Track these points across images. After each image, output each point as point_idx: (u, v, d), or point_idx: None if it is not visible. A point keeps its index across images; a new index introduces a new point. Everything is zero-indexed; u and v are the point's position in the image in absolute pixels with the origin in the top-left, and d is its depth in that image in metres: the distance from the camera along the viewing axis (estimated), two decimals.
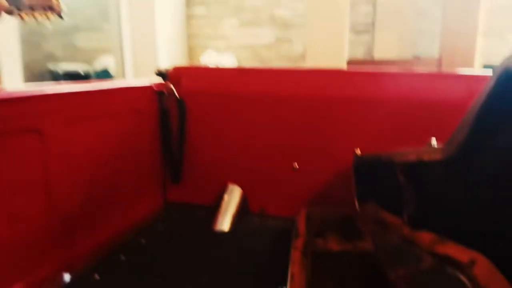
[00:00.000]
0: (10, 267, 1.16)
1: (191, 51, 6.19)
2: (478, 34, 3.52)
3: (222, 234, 1.68)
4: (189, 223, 1.79)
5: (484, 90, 0.84)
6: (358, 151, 1.64)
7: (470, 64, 3.34)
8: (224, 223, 1.73)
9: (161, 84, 1.91)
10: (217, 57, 5.88)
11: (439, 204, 1.07)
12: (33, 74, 5.58)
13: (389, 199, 1.39)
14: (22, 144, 1.21)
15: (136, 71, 5.08)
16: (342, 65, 4.24)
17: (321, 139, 1.78)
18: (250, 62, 6.06)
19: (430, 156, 1.01)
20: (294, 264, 1.09)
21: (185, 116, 1.92)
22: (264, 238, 1.62)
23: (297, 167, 1.81)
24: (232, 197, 1.84)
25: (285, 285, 1.00)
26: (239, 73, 2.10)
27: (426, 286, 0.93)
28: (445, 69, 3.42)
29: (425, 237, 1.09)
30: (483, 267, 0.86)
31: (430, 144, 1.20)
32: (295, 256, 1.15)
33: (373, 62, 4.64)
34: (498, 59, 0.82)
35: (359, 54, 4.85)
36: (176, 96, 1.90)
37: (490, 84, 0.83)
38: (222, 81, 2.01)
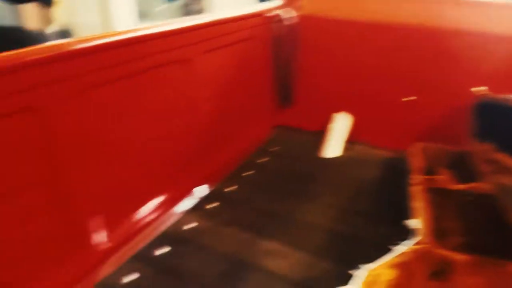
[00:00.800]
0: (166, 179, 1.42)
1: None
2: None
3: (330, 159, 1.82)
4: (298, 147, 1.95)
5: None
6: (478, 90, 1.61)
7: None
8: (331, 150, 1.86)
9: (272, 9, 1.93)
10: None
11: None
12: None
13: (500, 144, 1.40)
14: (176, 72, 1.38)
15: None
16: None
17: (436, 72, 1.75)
18: None
19: None
20: (416, 199, 1.20)
21: (296, 42, 1.97)
22: (373, 168, 1.73)
23: (409, 100, 1.83)
24: (340, 125, 1.94)
25: (409, 218, 1.12)
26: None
27: None
28: None
29: None
30: None
31: None
32: (416, 191, 1.26)
33: None
34: None
35: None
36: (288, 21, 1.94)
37: None
38: (334, 6, 1.97)
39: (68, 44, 1.04)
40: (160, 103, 1.36)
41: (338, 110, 2.00)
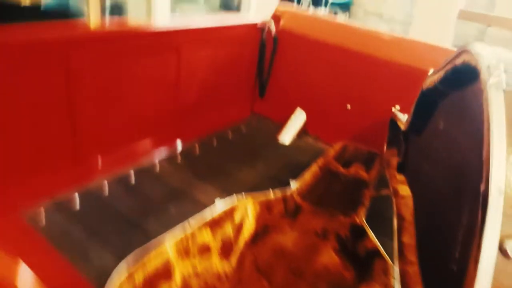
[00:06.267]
0: (154, 132, 1.99)
1: None
2: None
3: (282, 144, 2.34)
4: (262, 130, 2.47)
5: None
6: (397, 108, 2.08)
7: None
8: (286, 137, 2.38)
9: (262, 21, 2.47)
10: None
11: (409, 160, 1.57)
12: None
13: (398, 149, 1.88)
14: (168, 58, 1.95)
15: None
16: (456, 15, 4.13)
17: (372, 90, 2.22)
18: None
19: (405, 126, 1.48)
20: (309, 171, 1.71)
21: (276, 50, 2.50)
22: (307, 154, 2.23)
23: (349, 108, 2.31)
24: (297, 119, 2.45)
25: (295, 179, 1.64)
26: (328, 25, 2.53)
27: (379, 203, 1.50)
28: None
29: (399, 177, 1.61)
30: (408, 200, 1.39)
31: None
32: (313, 167, 1.77)
33: (488, 18, 4.31)
34: None
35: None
36: (273, 33, 2.47)
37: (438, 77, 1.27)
38: (312, 28, 2.48)
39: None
40: (160, 78, 1.93)
41: (299, 106, 2.52)
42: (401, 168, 1.66)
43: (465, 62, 1.03)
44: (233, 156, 2.11)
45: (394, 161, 1.84)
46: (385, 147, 2.09)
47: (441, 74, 1.19)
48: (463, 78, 1.08)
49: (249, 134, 2.41)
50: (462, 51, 1.11)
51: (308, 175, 1.71)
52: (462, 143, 0.91)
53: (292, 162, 2.12)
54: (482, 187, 0.63)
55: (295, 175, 1.93)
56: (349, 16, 6.20)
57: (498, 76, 0.74)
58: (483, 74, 0.82)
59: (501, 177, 0.63)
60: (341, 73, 2.33)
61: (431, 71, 1.30)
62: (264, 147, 2.28)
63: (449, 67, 1.20)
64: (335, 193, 1.68)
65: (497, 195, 0.62)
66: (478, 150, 0.73)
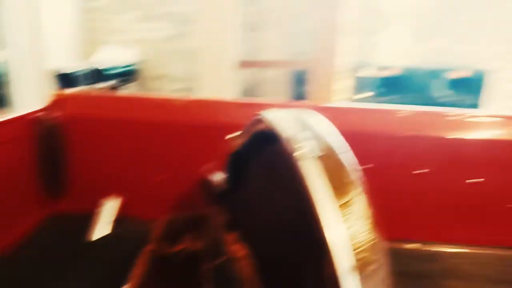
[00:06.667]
0: None
1: (88, 45, 6.14)
2: (341, 34, 4.04)
3: (98, 241, 2.00)
4: (71, 231, 2.07)
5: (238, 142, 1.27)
6: (210, 166, 2.05)
7: (332, 64, 3.89)
8: (100, 231, 2.05)
9: (37, 111, 2.12)
10: (115, 52, 5.94)
11: (239, 216, 1.53)
12: None
13: (223, 207, 1.83)
14: None
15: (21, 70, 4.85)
16: (234, 66, 4.59)
17: (179, 157, 2.17)
18: (149, 56, 6.25)
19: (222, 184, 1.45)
20: (136, 266, 1.48)
21: (62, 139, 2.18)
22: (134, 242, 1.96)
23: (164, 178, 2.18)
24: (109, 207, 2.16)
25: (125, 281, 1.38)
26: (120, 101, 2.40)
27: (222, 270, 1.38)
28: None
29: (231, 236, 1.54)
30: (246, 259, 1.32)
31: None
32: (141, 258, 1.54)
33: (263, 63, 5.06)
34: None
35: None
36: (54, 121, 2.15)
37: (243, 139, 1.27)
38: (103, 108, 2.29)
39: None
40: None
41: (111, 194, 2.23)
42: (231, 226, 1.60)
43: (265, 129, 1.05)
44: (37, 277, 1.67)
45: (222, 219, 1.78)
46: (209, 208, 2.02)
47: (245, 137, 1.20)
48: (266, 142, 1.09)
49: (51, 243, 1.98)
50: (258, 119, 1.13)
51: (137, 271, 1.47)
52: (287, 203, 0.89)
53: (116, 259, 1.82)
54: (326, 269, 0.57)
55: (125, 275, 1.65)
56: (136, 84, 6.22)
57: (301, 146, 0.74)
58: (286, 145, 0.83)
59: (346, 251, 0.58)
60: (146, 146, 2.21)
61: (236, 133, 1.31)
62: (76, 252, 1.90)
63: (250, 132, 1.22)
64: (171, 281, 1.48)
65: (347, 274, 0.56)
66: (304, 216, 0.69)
